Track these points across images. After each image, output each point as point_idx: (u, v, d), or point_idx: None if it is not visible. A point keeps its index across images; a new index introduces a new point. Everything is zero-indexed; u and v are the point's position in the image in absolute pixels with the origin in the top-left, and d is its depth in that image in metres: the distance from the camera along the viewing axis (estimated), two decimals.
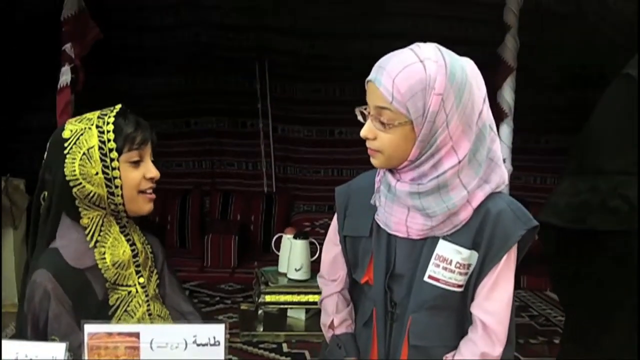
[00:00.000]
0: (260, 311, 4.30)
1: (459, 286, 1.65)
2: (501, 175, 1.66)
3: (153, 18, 6.21)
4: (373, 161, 1.66)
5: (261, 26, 6.34)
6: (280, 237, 4.53)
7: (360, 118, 1.65)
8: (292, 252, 4.31)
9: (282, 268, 4.43)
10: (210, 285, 5.53)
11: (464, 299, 1.67)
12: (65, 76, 4.16)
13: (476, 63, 1.64)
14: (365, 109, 1.63)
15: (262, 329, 4.31)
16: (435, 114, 1.54)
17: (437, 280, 1.64)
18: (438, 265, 1.63)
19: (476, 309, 1.65)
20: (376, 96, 1.58)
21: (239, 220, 6.48)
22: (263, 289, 4.25)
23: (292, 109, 6.73)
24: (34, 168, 5.53)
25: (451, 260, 1.63)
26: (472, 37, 5.95)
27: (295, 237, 4.35)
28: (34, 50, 5.79)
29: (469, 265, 1.64)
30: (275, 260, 4.59)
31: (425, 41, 1.66)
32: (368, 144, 1.64)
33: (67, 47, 4.19)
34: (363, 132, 1.63)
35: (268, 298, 4.25)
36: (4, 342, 1.33)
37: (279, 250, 4.51)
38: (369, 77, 1.61)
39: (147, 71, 6.48)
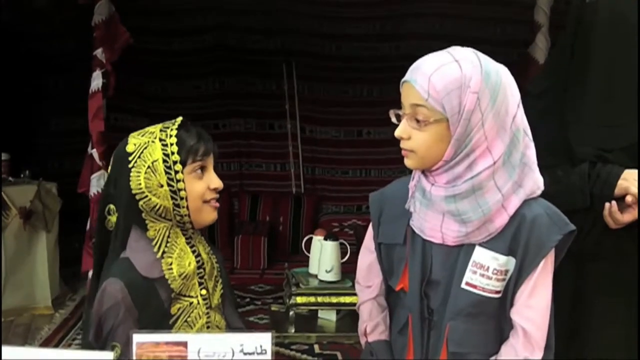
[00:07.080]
0: (291, 312, 4.30)
1: (497, 292, 1.64)
2: (535, 180, 1.64)
3: (181, 22, 6.26)
4: (407, 162, 1.65)
5: (287, 29, 6.36)
6: (311, 239, 4.54)
7: (394, 119, 1.65)
8: (322, 254, 4.31)
9: (312, 269, 4.43)
10: (240, 286, 5.53)
11: (502, 305, 1.66)
12: (97, 81, 4.20)
13: (506, 63, 1.64)
14: (400, 112, 1.63)
15: (293, 330, 4.32)
16: (471, 113, 1.54)
17: (475, 287, 1.63)
18: (475, 272, 1.62)
19: (516, 316, 1.65)
20: (412, 95, 1.58)
21: (267, 221, 6.48)
22: (294, 291, 4.26)
23: (320, 110, 6.74)
24: (64, 171, 5.58)
25: (488, 267, 1.62)
26: (502, 37, 5.92)
27: (325, 239, 4.35)
28: (64, 54, 5.86)
29: (506, 271, 1.63)
30: (304, 261, 4.59)
31: (453, 42, 1.67)
32: (402, 144, 1.64)
33: (98, 52, 4.23)
34: (397, 132, 1.63)
35: (299, 299, 4.25)
36: (58, 350, 1.35)
37: (308, 252, 4.51)
38: (405, 78, 1.60)
39: (176, 75, 6.55)
